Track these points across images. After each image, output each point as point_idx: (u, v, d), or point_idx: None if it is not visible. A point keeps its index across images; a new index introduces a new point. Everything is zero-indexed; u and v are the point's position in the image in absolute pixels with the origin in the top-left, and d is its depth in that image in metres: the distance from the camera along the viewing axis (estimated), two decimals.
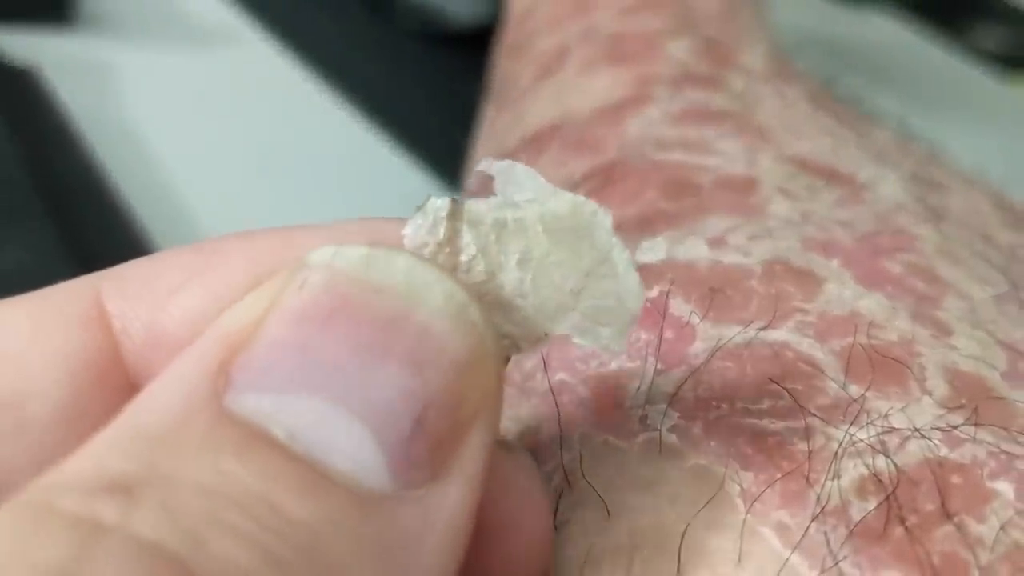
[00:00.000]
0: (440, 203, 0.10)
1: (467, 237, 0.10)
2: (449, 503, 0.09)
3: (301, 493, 0.08)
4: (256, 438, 0.08)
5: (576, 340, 0.10)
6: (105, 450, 0.09)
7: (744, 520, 0.11)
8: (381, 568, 0.09)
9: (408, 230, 0.10)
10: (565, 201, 0.10)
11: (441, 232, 0.10)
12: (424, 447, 0.09)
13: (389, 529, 0.09)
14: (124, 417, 0.09)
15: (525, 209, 0.10)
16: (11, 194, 0.29)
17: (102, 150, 0.32)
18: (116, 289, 0.11)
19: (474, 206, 0.10)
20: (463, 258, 0.10)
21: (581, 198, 0.10)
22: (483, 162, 0.11)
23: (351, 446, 0.09)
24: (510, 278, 0.10)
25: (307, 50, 0.42)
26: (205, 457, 0.08)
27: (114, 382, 0.11)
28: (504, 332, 0.10)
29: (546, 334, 0.10)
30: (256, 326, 0.09)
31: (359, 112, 0.39)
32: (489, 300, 0.10)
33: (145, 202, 0.31)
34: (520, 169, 0.11)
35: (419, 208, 0.10)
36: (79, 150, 0.32)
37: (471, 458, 0.09)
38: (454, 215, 0.10)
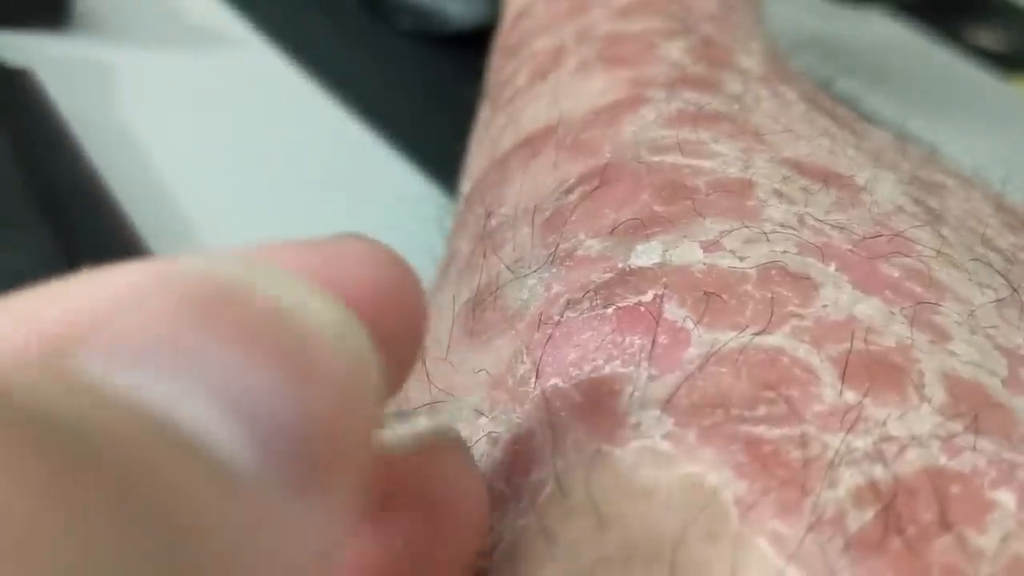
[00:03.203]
0: None
1: None
2: (319, 521, 0.08)
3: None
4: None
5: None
6: None
7: (739, 530, 0.11)
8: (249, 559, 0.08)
9: None
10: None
11: None
12: (303, 459, 0.08)
13: (257, 514, 0.08)
14: None
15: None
16: (4, 197, 0.29)
17: (97, 152, 0.32)
18: None
19: None
20: None
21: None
22: None
23: (222, 431, 0.08)
24: None
25: (303, 51, 0.42)
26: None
27: None
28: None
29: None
30: (106, 314, 0.08)
31: (355, 113, 0.39)
32: None
33: (140, 205, 0.30)
34: None
35: None
36: (73, 153, 0.32)
37: (346, 482, 0.08)
38: None
